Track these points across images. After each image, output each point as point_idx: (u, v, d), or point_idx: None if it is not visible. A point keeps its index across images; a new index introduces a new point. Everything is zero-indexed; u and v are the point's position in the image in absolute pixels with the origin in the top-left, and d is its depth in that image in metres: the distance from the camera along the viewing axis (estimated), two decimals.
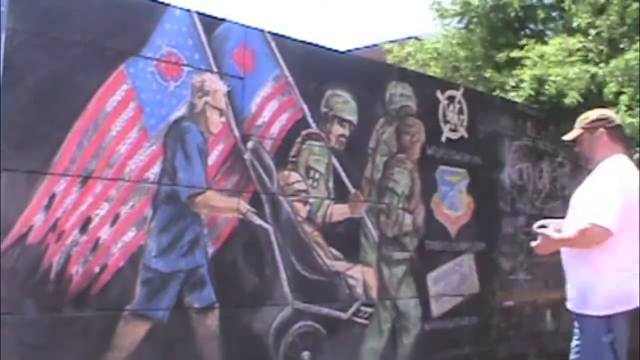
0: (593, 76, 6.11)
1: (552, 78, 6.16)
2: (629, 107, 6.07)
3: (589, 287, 3.18)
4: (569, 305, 3.37)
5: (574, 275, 3.32)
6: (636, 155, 6.50)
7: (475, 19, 8.10)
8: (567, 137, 3.57)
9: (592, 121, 3.36)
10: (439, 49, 8.22)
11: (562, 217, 3.51)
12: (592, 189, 3.16)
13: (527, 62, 6.52)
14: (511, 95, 6.67)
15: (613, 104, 6.16)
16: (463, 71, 8.15)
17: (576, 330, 3.34)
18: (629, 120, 6.16)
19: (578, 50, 6.38)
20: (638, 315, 3.16)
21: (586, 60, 6.32)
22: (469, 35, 8.04)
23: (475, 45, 7.96)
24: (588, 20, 6.52)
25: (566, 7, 7.00)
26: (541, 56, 6.42)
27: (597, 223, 2.97)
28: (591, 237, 3.02)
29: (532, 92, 6.27)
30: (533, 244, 3.35)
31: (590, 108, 6.74)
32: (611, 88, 6.05)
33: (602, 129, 3.29)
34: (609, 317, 3.08)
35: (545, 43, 6.90)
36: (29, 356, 3.02)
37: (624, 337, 3.14)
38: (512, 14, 7.97)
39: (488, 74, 7.62)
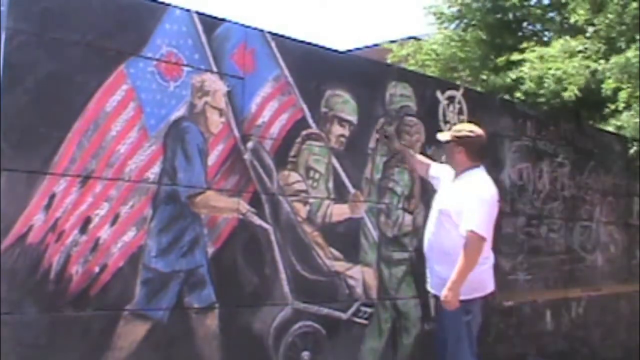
0: (592, 72, 6.12)
1: (551, 72, 6.17)
2: (628, 104, 6.08)
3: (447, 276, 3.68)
4: (433, 290, 3.94)
5: (442, 265, 3.79)
6: (632, 150, 6.51)
7: (473, 21, 8.12)
8: (441, 136, 4.06)
9: (459, 137, 3.89)
10: (437, 51, 8.23)
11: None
12: (463, 199, 3.71)
13: (527, 63, 6.52)
14: (511, 93, 6.69)
15: (612, 100, 6.17)
16: (462, 72, 8.17)
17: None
18: (629, 121, 6.17)
19: (579, 52, 6.39)
20: (487, 300, 3.95)
21: (585, 57, 6.33)
22: (466, 37, 8.05)
23: (473, 47, 7.97)
24: (586, 17, 6.53)
25: (564, 1, 7.01)
26: (541, 57, 6.43)
27: (479, 233, 3.62)
28: (479, 246, 3.63)
29: (532, 85, 6.28)
30: (444, 303, 3.69)
31: (589, 105, 6.76)
32: (610, 84, 6.05)
33: (462, 148, 3.85)
34: (468, 301, 3.70)
35: (544, 44, 6.91)
36: (29, 356, 3.03)
37: (478, 319, 3.84)
38: (510, 15, 7.99)
39: (485, 76, 7.63)
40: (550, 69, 6.22)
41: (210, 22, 3.75)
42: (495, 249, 5.42)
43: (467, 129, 3.95)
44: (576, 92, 6.06)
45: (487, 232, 3.67)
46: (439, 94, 5.17)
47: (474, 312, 3.78)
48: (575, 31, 6.98)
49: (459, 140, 3.88)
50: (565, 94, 6.12)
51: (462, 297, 3.66)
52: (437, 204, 3.98)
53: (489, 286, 3.92)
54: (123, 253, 3.32)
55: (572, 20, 6.75)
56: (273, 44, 4.02)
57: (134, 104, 3.39)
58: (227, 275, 3.73)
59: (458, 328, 3.76)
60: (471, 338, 3.78)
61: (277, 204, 4.00)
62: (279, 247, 3.98)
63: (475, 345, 3.82)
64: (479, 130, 3.91)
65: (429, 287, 4.01)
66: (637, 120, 6.24)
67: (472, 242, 3.62)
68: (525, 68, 6.48)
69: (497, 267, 5.43)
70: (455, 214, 3.73)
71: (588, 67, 6.16)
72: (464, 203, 3.69)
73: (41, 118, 3.09)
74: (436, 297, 3.88)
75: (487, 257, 3.84)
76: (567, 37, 6.64)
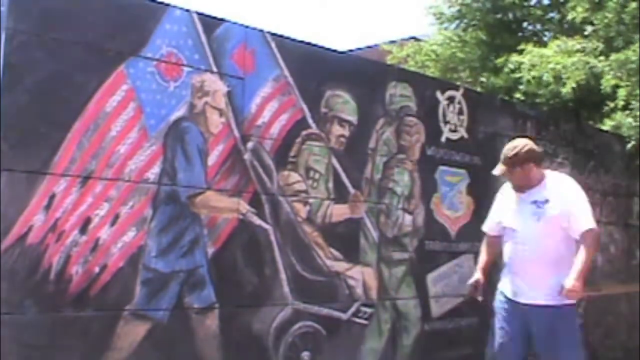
0: (591, 68, 6.12)
1: (550, 66, 6.17)
2: (627, 102, 6.08)
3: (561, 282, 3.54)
4: (543, 300, 3.63)
5: (557, 274, 3.58)
6: (629, 146, 6.51)
7: (473, 21, 8.13)
8: (498, 171, 3.81)
9: (525, 153, 3.71)
10: (437, 52, 8.24)
11: None
12: (568, 201, 3.64)
13: (525, 64, 6.53)
14: (511, 93, 6.69)
15: (611, 98, 6.17)
16: (462, 73, 8.18)
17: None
18: (626, 120, 6.17)
19: (577, 51, 6.39)
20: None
21: (584, 54, 6.34)
22: (466, 37, 8.05)
23: (473, 47, 7.98)
24: (584, 16, 6.53)
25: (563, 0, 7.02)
26: (540, 57, 6.43)
27: (597, 228, 3.59)
28: (599, 240, 3.72)
29: (532, 82, 6.27)
30: (570, 292, 3.52)
31: (589, 105, 6.75)
32: (609, 81, 6.05)
33: (532, 163, 3.71)
34: (578, 304, 3.67)
35: (543, 45, 6.92)
36: (29, 356, 3.02)
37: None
38: (510, 15, 7.99)
39: (484, 77, 7.64)
40: (549, 63, 6.22)
41: (210, 22, 3.75)
42: None
43: (519, 146, 3.75)
44: (574, 86, 6.05)
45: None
46: (438, 94, 5.17)
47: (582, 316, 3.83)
48: (575, 31, 6.98)
49: (526, 157, 3.71)
50: (564, 89, 6.12)
51: (573, 301, 3.58)
52: (530, 216, 3.70)
53: None
54: (123, 253, 3.32)
55: (569, 17, 6.75)
56: (273, 44, 4.02)
57: (134, 104, 3.39)
58: (227, 275, 3.73)
59: (577, 332, 3.67)
60: (585, 344, 3.72)
61: (277, 204, 4.00)
62: (279, 247, 3.98)
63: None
64: (524, 142, 3.78)
65: (530, 300, 3.66)
66: (630, 120, 6.24)
67: (595, 237, 3.61)
68: (525, 65, 6.47)
69: (497, 267, 5.48)
70: (564, 218, 3.60)
71: (587, 63, 6.16)
72: (571, 204, 3.62)
73: (41, 118, 3.09)
74: (555, 308, 3.58)
75: None
76: (564, 37, 6.64)
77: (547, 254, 3.66)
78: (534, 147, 3.77)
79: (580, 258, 3.53)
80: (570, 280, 3.48)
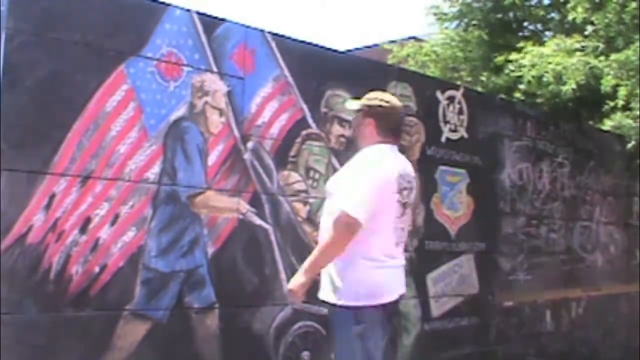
0: (592, 68, 6.13)
1: (550, 67, 6.17)
2: (627, 102, 6.08)
3: (338, 275, 3.00)
4: (321, 294, 3.08)
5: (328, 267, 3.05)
6: (630, 145, 6.52)
7: (474, 21, 8.12)
8: (349, 105, 3.32)
9: (370, 107, 3.18)
10: (437, 51, 8.24)
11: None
12: (345, 178, 3.02)
13: (525, 62, 6.53)
14: (511, 93, 6.69)
15: (611, 98, 6.17)
16: (462, 72, 8.18)
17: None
18: (626, 121, 6.17)
19: (576, 50, 6.39)
20: (394, 311, 3.11)
21: (584, 54, 6.34)
22: (467, 37, 8.05)
23: (474, 47, 7.98)
24: (584, 16, 6.53)
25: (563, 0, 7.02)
26: (541, 56, 6.44)
27: (352, 215, 2.84)
28: (347, 230, 2.86)
29: (532, 80, 6.28)
30: (288, 293, 3.02)
31: (589, 105, 6.76)
32: (609, 80, 6.05)
33: (371, 119, 3.14)
34: (356, 308, 2.95)
35: (543, 44, 6.91)
36: (29, 356, 3.02)
37: (377, 335, 2.99)
38: (511, 14, 7.99)
39: (484, 77, 7.64)
40: (550, 63, 6.23)
41: (210, 22, 3.75)
42: (495, 248, 5.46)
43: (382, 97, 3.24)
44: (574, 86, 6.06)
45: (362, 213, 2.87)
46: (439, 94, 5.17)
47: (368, 323, 2.97)
48: (575, 31, 6.98)
49: (369, 110, 3.18)
50: (564, 89, 6.13)
51: (347, 303, 2.97)
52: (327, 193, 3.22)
53: (388, 293, 3.06)
54: (123, 253, 3.32)
55: (570, 18, 6.75)
56: (273, 44, 4.02)
57: (134, 104, 3.39)
58: (227, 275, 3.73)
59: (349, 341, 2.98)
60: (369, 354, 2.99)
61: (277, 204, 4.00)
62: (279, 247, 3.98)
63: None
64: (396, 102, 3.24)
65: (320, 295, 3.14)
66: (630, 121, 6.24)
67: (340, 225, 2.86)
68: (525, 65, 6.48)
69: (497, 267, 5.50)
70: (339, 192, 3.02)
71: (587, 63, 6.16)
72: (343, 178, 3.04)
73: (41, 118, 3.09)
74: (329, 306, 3.08)
75: (388, 255, 3.06)
76: (563, 36, 6.64)
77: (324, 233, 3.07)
78: (391, 108, 3.17)
79: (316, 248, 2.98)
80: (293, 278, 2.97)
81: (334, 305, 3.01)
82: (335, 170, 4.33)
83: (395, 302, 3.11)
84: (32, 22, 3.08)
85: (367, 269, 2.99)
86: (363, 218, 2.87)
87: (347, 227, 2.87)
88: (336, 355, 3.09)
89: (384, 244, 3.04)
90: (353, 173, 3.00)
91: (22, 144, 3.04)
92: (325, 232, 3.00)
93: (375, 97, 3.22)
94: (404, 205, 3.14)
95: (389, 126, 3.18)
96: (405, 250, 4.61)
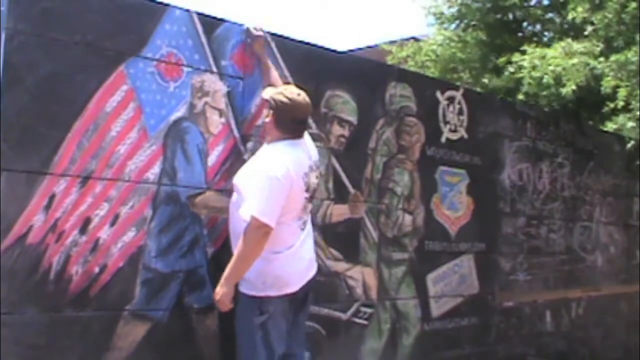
0: (592, 69, 6.13)
1: (550, 68, 6.18)
2: (627, 103, 6.08)
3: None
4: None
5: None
6: (629, 145, 6.53)
7: (473, 21, 8.13)
8: (265, 93, 3.42)
9: (273, 100, 3.28)
10: (437, 52, 8.24)
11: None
12: (249, 177, 3.18)
13: (526, 64, 6.53)
14: (511, 94, 6.69)
15: (611, 99, 6.18)
16: (462, 73, 8.18)
17: None
18: (629, 124, 6.17)
19: (580, 53, 6.40)
20: (303, 298, 3.30)
21: (584, 55, 6.34)
22: (466, 37, 8.06)
23: (473, 47, 7.98)
24: (584, 15, 6.54)
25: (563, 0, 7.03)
26: (542, 57, 6.44)
27: (262, 220, 3.02)
28: (259, 235, 3.03)
29: (532, 83, 6.28)
30: (216, 303, 3.22)
31: (589, 105, 6.77)
32: (609, 82, 6.06)
33: (272, 113, 3.26)
34: (260, 298, 3.12)
35: (545, 45, 6.92)
36: (29, 356, 3.02)
37: (281, 323, 3.17)
38: (510, 15, 8.00)
39: (486, 79, 7.64)
40: (550, 65, 6.24)
41: (210, 22, 3.75)
42: (495, 248, 5.46)
43: (285, 92, 3.27)
44: (574, 87, 6.06)
45: (271, 217, 3.03)
46: (438, 94, 5.17)
47: (272, 313, 3.12)
48: (575, 31, 6.98)
49: (272, 103, 3.25)
50: (564, 90, 6.13)
51: (252, 293, 3.12)
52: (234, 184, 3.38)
53: (293, 282, 3.23)
54: (123, 253, 3.32)
55: (569, 17, 6.76)
56: (273, 44, 4.02)
57: (133, 105, 3.39)
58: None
59: (250, 332, 3.13)
60: (270, 344, 3.13)
61: None
62: None
63: (276, 353, 3.17)
64: (297, 98, 3.26)
65: None
66: (635, 124, 6.25)
67: (252, 230, 3.02)
68: (526, 68, 6.48)
69: (497, 268, 5.51)
70: (244, 191, 3.20)
71: (587, 64, 6.17)
72: (250, 181, 3.14)
73: (41, 118, 3.09)
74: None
75: (291, 245, 3.21)
76: (569, 40, 6.65)
77: (232, 234, 3.31)
78: (292, 104, 3.23)
79: (233, 257, 3.11)
80: (217, 287, 3.15)
81: (239, 294, 3.16)
82: (335, 170, 4.34)
83: (304, 289, 3.25)
84: (32, 22, 3.08)
85: (272, 261, 3.14)
86: (272, 221, 3.03)
87: (259, 231, 3.02)
88: (238, 345, 3.22)
89: (288, 236, 3.19)
90: (258, 176, 3.12)
91: (22, 144, 3.03)
92: (238, 225, 3.15)
93: (280, 92, 3.29)
94: (311, 195, 3.32)
95: (289, 122, 3.25)
96: (406, 250, 4.65)
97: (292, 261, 3.24)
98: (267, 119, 3.32)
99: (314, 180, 3.35)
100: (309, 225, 3.39)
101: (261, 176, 3.10)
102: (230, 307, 3.17)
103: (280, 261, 3.19)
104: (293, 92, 3.29)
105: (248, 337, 3.17)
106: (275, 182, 3.08)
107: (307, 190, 3.27)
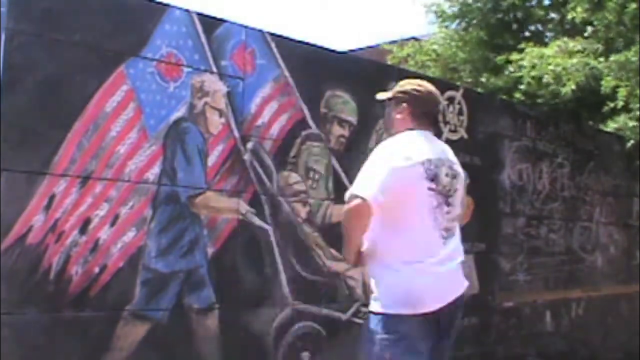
0: (591, 69, 6.14)
1: (550, 68, 6.18)
2: (626, 103, 6.08)
3: (374, 282, 2.72)
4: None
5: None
6: (629, 144, 6.53)
7: (474, 21, 8.13)
8: (380, 96, 3.09)
9: (403, 92, 2.94)
10: (437, 51, 8.24)
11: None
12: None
13: (525, 63, 6.53)
14: (511, 93, 6.68)
15: (611, 99, 6.18)
16: (462, 73, 8.18)
17: None
18: (631, 123, 6.18)
19: (577, 52, 6.40)
20: (447, 325, 2.74)
21: (584, 55, 6.35)
22: (467, 37, 8.06)
23: (474, 47, 7.98)
24: (583, 16, 6.54)
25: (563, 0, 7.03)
26: (541, 57, 6.45)
27: (354, 192, 2.55)
28: (354, 212, 2.56)
29: (532, 82, 6.29)
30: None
31: (589, 105, 6.77)
32: (609, 82, 6.06)
33: (405, 106, 2.89)
34: (390, 316, 2.62)
35: (544, 45, 6.92)
36: (29, 356, 3.02)
37: (414, 343, 2.62)
38: (511, 15, 8.00)
39: (484, 78, 7.64)
40: (549, 64, 6.24)
41: (210, 23, 3.75)
42: (495, 249, 5.46)
43: (416, 83, 3.01)
44: (573, 87, 6.07)
45: (366, 190, 2.54)
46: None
47: (403, 333, 2.61)
48: (575, 31, 6.99)
49: (402, 96, 2.93)
50: (563, 90, 6.14)
51: (380, 310, 2.66)
52: None
53: (429, 300, 2.63)
54: (123, 254, 3.32)
55: (569, 17, 6.76)
56: (273, 45, 4.02)
57: (133, 105, 3.39)
58: (227, 275, 3.73)
59: (376, 351, 2.63)
60: None
61: (276, 205, 4.00)
62: (279, 248, 3.98)
63: None
64: (429, 87, 3.00)
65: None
66: (636, 123, 6.25)
67: (346, 207, 2.58)
68: (525, 67, 6.49)
69: (497, 268, 5.50)
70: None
71: (587, 64, 6.17)
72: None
73: (41, 118, 3.09)
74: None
75: (428, 256, 2.67)
76: (565, 38, 6.65)
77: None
78: (427, 93, 2.94)
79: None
80: None
81: (369, 312, 2.71)
82: (335, 170, 4.34)
83: (447, 310, 2.70)
84: (32, 22, 3.09)
85: (403, 274, 2.63)
86: (367, 194, 2.53)
87: (351, 203, 2.55)
88: None
89: (422, 244, 2.67)
90: (369, 160, 2.69)
91: (22, 144, 3.04)
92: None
93: (408, 83, 3.00)
94: (445, 194, 2.78)
95: (424, 110, 2.90)
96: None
97: (426, 275, 2.64)
98: (399, 115, 2.91)
99: (444, 176, 2.80)
100: (455, 237, 2.89)
101: (374, 158, 2.68)
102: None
103: (411, 273, 2.62)
104: (424, 84, 3.00)
105: (373, 358, 2.67)
106: (380, 160, 2.64)
107: (432, 180, 2.72)
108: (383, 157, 2.64)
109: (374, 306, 2.70)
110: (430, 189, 2.71)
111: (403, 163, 2.63)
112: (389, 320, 2.63)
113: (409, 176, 2.64)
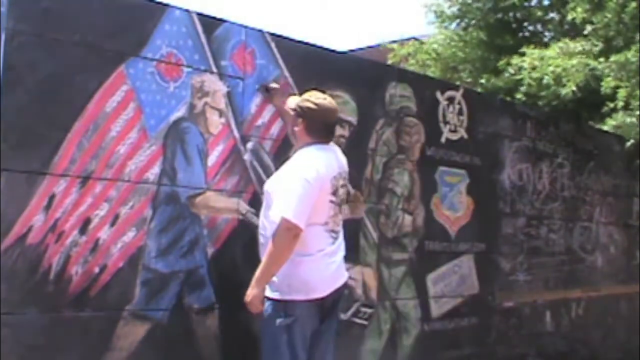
0: (591, 70, 6.15)
1: (550, 69, 6.19)
2: (627, 103, 6.09)
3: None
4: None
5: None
6: (629, 144, 6.54)
7: (473, 21, 8.14)
8: (290, 103, 3.58)
9: (300, 107, 3.36)
10: (438, 51, 8.25)
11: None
12: (280, 181, 3.24)
13: (526, 64, 6.54)
14: (511, 94, 6.69)
15: (611, 99, 6.19)
16: (462, 73, 8.19)
17: None
18: (629, 120, 6.18)
19: (578, 53, 6.40)
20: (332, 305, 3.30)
21: (584, 56, 6.35)
22: (467, 37, 8.07)
23: (474, 47, 7.99)
24: (583, 16, 6.55)
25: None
26: (541, 59, 6.45)
27: (292, 221, 3.04)
28: (288, 236, 3.05)
29: (532, 83, 6.29)
30: (247, 305, 3.24)
31: (589, 105, 6.78)
32: (609, 82, 6.07)
33: (302, 120, 3.34)
34: (286, 302, 3.14)
35: (545, 45, 6.93)
36: (29, 356, 3.02)
37: (307, 327, 3.19)
38: (511, 15, 8.01)
39: (484, 79, 7.65)
40: (550, 65, 6.24)
41: (210, 23, 3.75)
42: (495, 249, 5.46)
43: (313, 98, 3.34)
44: (574, 88, 6.07)
45: (301, 218, 3.05)
46: (438, 94, 5.17)
47: (298, 316, 3.14)
48: (575, 32, 6.99)
49: (300, 111, 3.34)
50: (563, 90, 6.14)
51: (278, 297, 3.15)
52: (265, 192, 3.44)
53: (320, 288, 3.23)
54: (123, 254, 3.32)
55: (569, 18, 6.77)
56: (273, 45, 4.02)
57: (133, 105, 3.39)
58: (227, 275, 3.73)
59: (274, 335, 3.16)
60: (294, 348, 3.15)
61: None
62: None
63: (299, 358, 3.17)
64: (326, 103, 3.34)
65: None
66: (634, 119, 6.25)
67: (282, 232, 3.04)
68: (525, 69, 6.49)
69: (497, 268, 5.51)
70: (275, 195, 3.22)
71: (587, 65, 6.18)
72: (278, 181, 3.22)
73: (41, 118, 3.09)
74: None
75: (319, 250, 3.23)
76: (567, 40, 6.65)
77: (262, 240, 3.32)
78: (322, 110, 3.31)
79: (264, 258, 3.14)
80: (249, 291, 3.16)
81: (266, 297, 3.17)
82: None
83: (331, 296, 3.24)
84: (32, 22, 3.08)
85: (299, 264, 3.13)
86: (302, 223, 3.05)
87: (289, 233, 3.04)
88: (262, 348, 3.25)
89: (317, 240, 3.19)
90: (289, 178, 3.17)
91: (22, 144, 3.04)
92: (268, 229, 3.18)
93: (306, 99, 3.36)
94: (339, 204, 3.34)
95: (319, 127, 3.32)
96: (406, 251, 4.67)
97: (319, 266, 3.22)
98: (297, 128, 3.36)
99: (341, 188, 3.39)
100: (340, 238, 3.41)
101: (292, 178, 3.15)
102: (261, 309, 3.19)
103: (307, 265, 3.18)
104: (319, 97, 3.36)
105: (272, 340, 3.18)
106: (305, 183, 3.11)
107: (334, 194, 3.29)
108: (303, 177, 3.11)
109: (272, 294, 3.17)
110: (331, 201, 3.27)
111: (318, 182, 3.15)
112: (287, 305, 3.13)
113: (321, 192, 3.17)
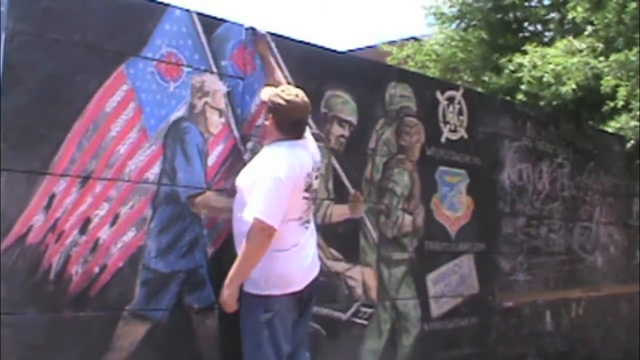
0: (592, 69, 6.15)
1: (550, 67, 6.19)
2: (627, 102, 6.09)
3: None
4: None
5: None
6: (629, 144, 6.54)
7: (473, 21, 8.14)
8: (263, 94, 3.52)
9: (271, 102, 3.35)
10: (437, 51, 8.25)
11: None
12: (254, 177, 3.21)
13: (527, 63, 6.54)
14: (512, 94, 6.69)
15: (611, 98, 6.19)
16: (462, 73, 8.19)
17: None
18: (632, 123, 6.18)
19: (581, 51, 6.40)
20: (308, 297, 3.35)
21: (585, 55, 6.35)
22: (466, 37, 8.07)
23: (474, 47, 7.99)
24: (584, 15, 6.55)
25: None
26: (543, 57, 6.45)
27: (266, 222, 3.05)
28: (263, 236, 3.07)
29: (533, 82, 6.29)
30: (222, 305, 3.28)
31: (589, 105, 6.79)
32: (609, 81, 6.07)
33: (271, 115, 3.33)
34: (265, 297, 3.17)
35: (545, 45, 6.93)
36: (29, 356, 3.02)
37: (287, 320, 3.23)
38: (511, 15, 8.01)
39: (486, 77, 7.65)
40: (550, 63, 6.25)
41: (210, 23, 3.75)
42: (495, 249, 5.46)
43: (282, 94, 3.33)
44: (574, 86, 6.07)
45: (275, 218, 3.06)
46: (438, 94, 5.17)
47: (277, 310, 3.18)
48: (575, 31, 6.99)
49: (271, 106, 3.33)
50: (563, 89, 6.14)
51: (257, 292, 3.18)
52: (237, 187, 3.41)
53: (297, 281, 3.29)
54: (123, 253, 3.32)
55: (569, 17, 6.77)
56: (273, 44, 4.02)
57: (133, 105, 3.39)
58: (227, 275, 3.72)
59: (255, 331, 3.19)
60: (277, 342, 3.19)
61: None
62: None
63: (283, 351, 3.22)
64: (295, 99, 3.32)
65: None
66: (636, 122, 6.26)
67: (256, 232, 3.06)
68: (526, 66, 6.49)
69: (497, 268, 5.50)
70: (247, 192, 3.20)
71: (587, 63, 6.18)
72: (254, 182, 3.18)
73: (41, 118, 3.09)
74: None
75: (294, 244, 3.27)
76: (571, 38, 6.65)
77: (236, 235, 3.33)
78: (292, 107, 3.28)
79: (237, 259, 3.15)
80: (222, 291, 3.18)
81: (245, 293, 3.18)
82: (335, 170, 4.34)
83: (308, 288, 3.31)
84: (32, 22, 3.08)
85: (275, 259, 3.16)
86: (276, 223, 3.06)
87: (263, 233, 3.05)
88: (243, 345, 3.27)
89: (292, 235, 3.21)
90: (261, 178, 3.15)
91: (22, 144, 3.04)
92: (241, 226, 3.18)
93: (277, 94, 3.34)
94: (313, 198, 3.37)
95: (289, 124, 3.30)
96: (406, 251, 4.68)
97: (295, 260, 3.27)
98: (267, 122, 3.36)
99: (315, 181, 3.39)
100: (312, 226, 3.44)
101: (264, 177, 3.13)
102: (236, 309, 3.21)
103: (283, 260, 3.22)
104: (291, 94, 3.32)
105: (253, 336, 3.20)
106: (278, 183, 3.11)
107: (307, 191, 3.30)
108: (276, 177, 3.10)
109: (250, 289, 3.19)
110: (304, 197, 3.27)
111: (292, 181, 3.14)
112: (267, 300, 3.16)
113: (295, 190, 3.16)
